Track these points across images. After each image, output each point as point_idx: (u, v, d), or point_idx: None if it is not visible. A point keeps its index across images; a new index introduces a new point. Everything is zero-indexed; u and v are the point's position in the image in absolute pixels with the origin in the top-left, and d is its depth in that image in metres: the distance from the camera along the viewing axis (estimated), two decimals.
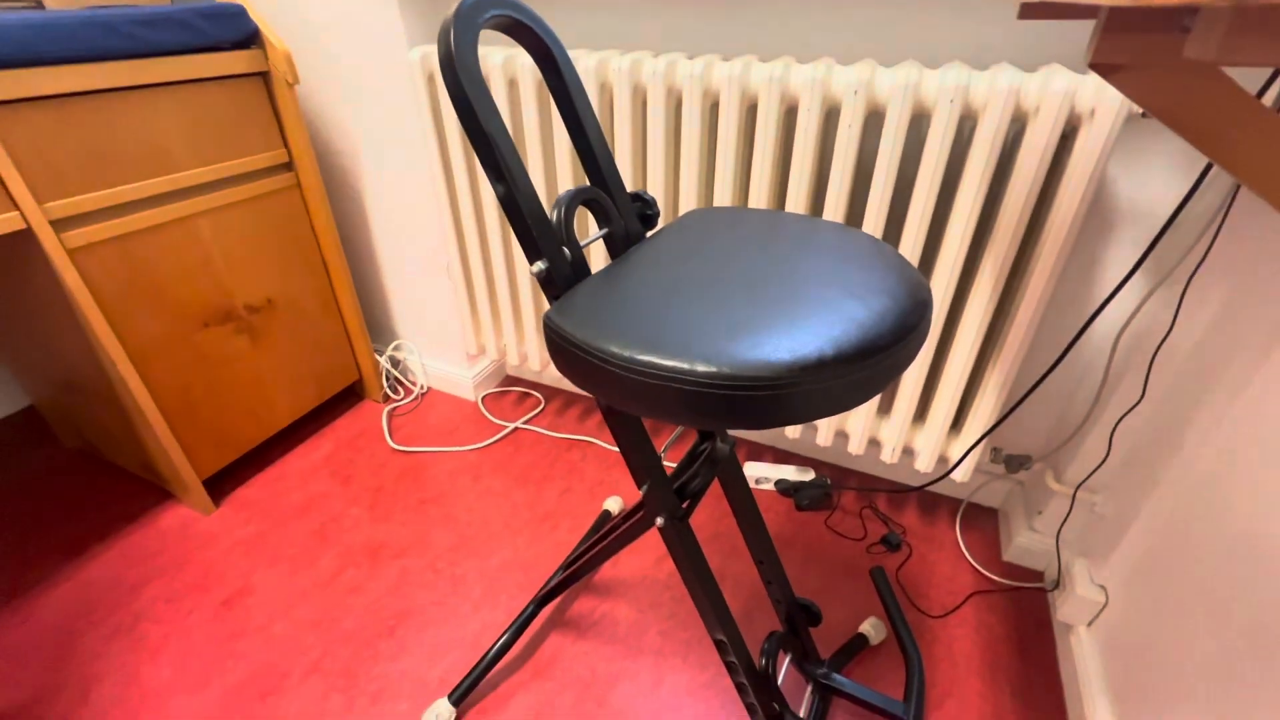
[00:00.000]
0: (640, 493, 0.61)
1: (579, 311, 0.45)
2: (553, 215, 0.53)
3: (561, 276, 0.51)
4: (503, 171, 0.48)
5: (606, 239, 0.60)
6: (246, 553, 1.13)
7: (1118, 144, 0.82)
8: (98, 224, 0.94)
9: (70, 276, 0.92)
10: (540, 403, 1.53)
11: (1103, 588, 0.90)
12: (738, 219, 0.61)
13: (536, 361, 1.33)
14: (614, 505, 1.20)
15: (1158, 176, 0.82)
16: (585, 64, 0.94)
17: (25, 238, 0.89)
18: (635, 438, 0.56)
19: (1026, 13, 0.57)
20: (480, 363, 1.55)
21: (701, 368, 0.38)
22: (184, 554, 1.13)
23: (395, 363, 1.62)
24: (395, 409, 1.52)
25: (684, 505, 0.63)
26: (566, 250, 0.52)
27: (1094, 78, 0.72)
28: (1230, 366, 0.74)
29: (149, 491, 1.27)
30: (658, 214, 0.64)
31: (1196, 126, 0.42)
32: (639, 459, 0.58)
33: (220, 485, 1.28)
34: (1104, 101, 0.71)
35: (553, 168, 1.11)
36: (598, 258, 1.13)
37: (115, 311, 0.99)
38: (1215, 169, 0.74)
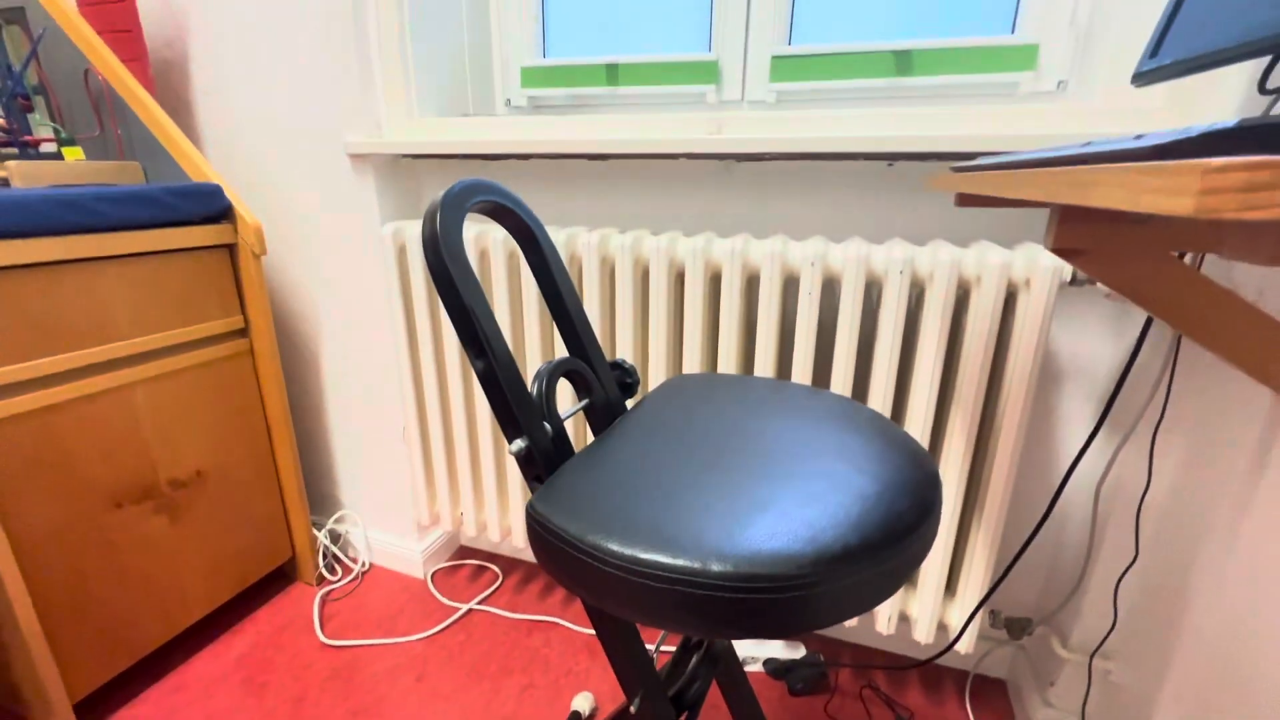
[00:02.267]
0: (631, 709, 0.51)
1: (567, 499, 0.40)
2: (533, 389, 0.50)
3: (543, 453, 0.47)
4: (484, 347, 0.45)
5: (587, 410, 0.57)
6: None
7: (1056, 307, 0.89)
8: (15, 398, 0.86)
9: None
10: (498, 577, 1.39)
11: None
12: (713, 386, 0.60)
13: (496, 531, 1.23)
14: (584, 705, 1.03)
15: (1096, 335, 0.88)
16: (556, 238, 0.99)
17: None
18: (628, 646, 0.48)
19: (963, 201, 0.63)
20: (432, 534, 1.42)
21: (715, 566, 0.33)
22: None
23: (335, 537, 1.46)
24: (330, 592, 1.34)
25: (683, 718, 0.53)
26: (547, 425, 0.49)
27: (1022, 251, 0.80)
28: (1215, 518, 0.73)
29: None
30: (638, 382, 0.62)
31: (1145, 292, 0.45)
32: (630, 669, 0.49)
33: (101, 704, 1.05)
34: (1037, 273, 0.78)
35: (521, 340, 1.11)
36: (576, 431, 1.10)
37: (8, 494, 0.87)
38: (1152, 327, 0.80)
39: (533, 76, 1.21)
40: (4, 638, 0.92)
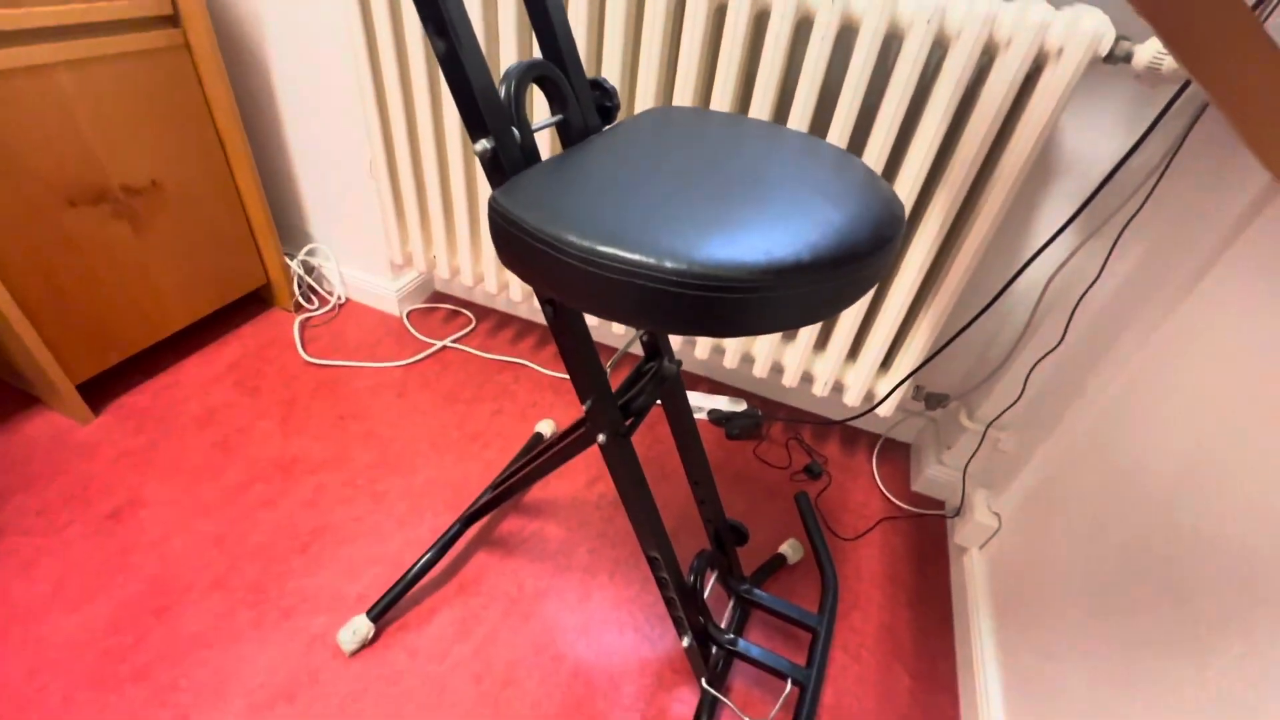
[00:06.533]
0: (582, 409, 0.58)
1: (530, 195, 0.39)
2: (501, 90, 0.46)
3: (510, 159, 0.45)
4: (445, 25, 0.40)
5: (560, 126, 0.54)
6: (135, 464, 1.02)
7: (1079, 89, 0.82)
8: None
9: None
10: (471, 322, 1.45)
11: (997, 515, 0.98)
12: (701, 119, 0.57)
13: (469, 276, 1.25)
14: (547, 428, 1.17)
15: (1104, 129, 0.83)
16: None
17: None
18: (582, 347, 0.53)
19: None
20: (406, 274, 1.44)
21: (670, 264, 0.34)
22: (57, 464, 1.01)
23: (309, 269, 1.47)
24: (308, 319, 1.39)
25: (627, 423, 0.61)
26: (516, 132, 0.46)
27: (1066, 14, 0.71)
28: (1141, 316, 0.79)
29: (14, 396, 1.11)
30: (618, 106, 0.58)
31: (1192, 42, 0.41)
32: (584, 371, 0.54)
33: (101, 391, 1.14)
34: (1073, 40, 0.70)
35: (495, 40, 0.98)
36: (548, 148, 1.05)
37: None
38: (1159, 125, 0.76)
39: None
40: None
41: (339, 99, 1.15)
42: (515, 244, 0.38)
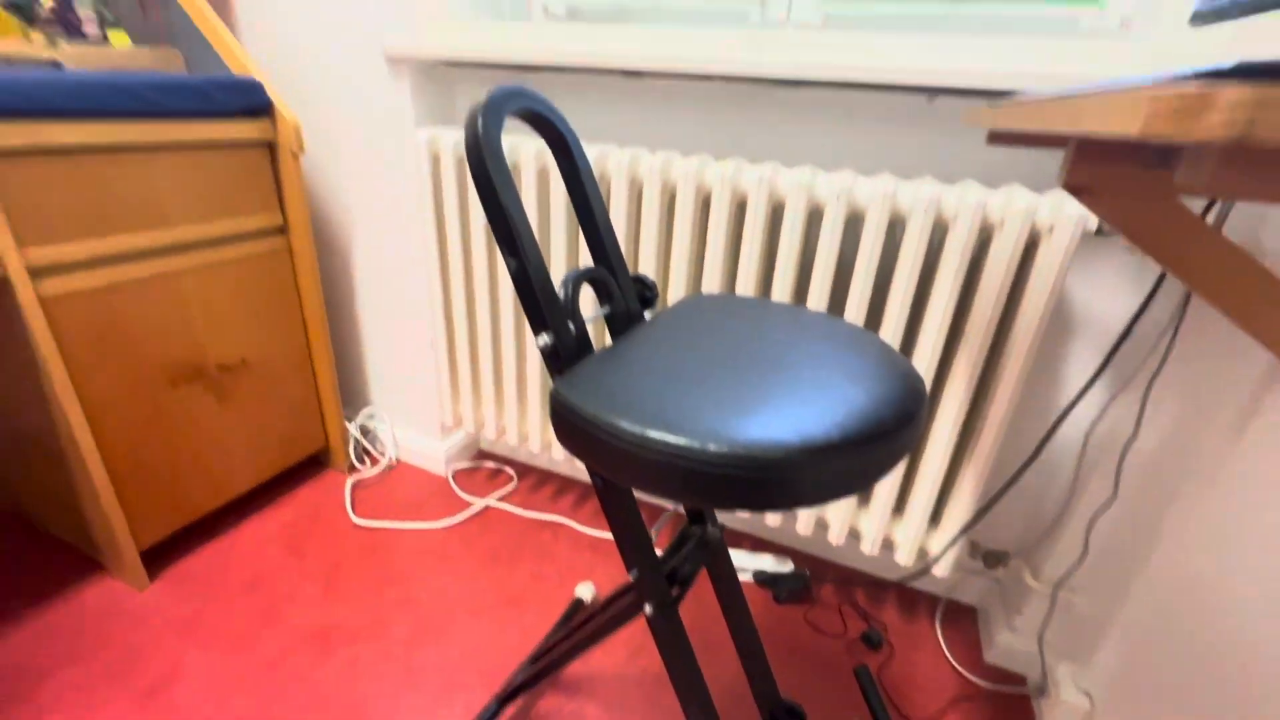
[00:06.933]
0: (623, 575, 0.59)
1: (586, 385, 0.45)
2: (561, 292, 0.54)
3: (566, 350, 0.52)
4: (518, 247, 0.49)
5: (608, 317, 0.61)
6: (179, 633, 1.02)
7: (1075, 258, 0.89)
8: (79, 274, 0.92)
9: (38, 324, 0.88)
10: (513, 479, 1.49)
11: (1087, 695, 0.88)
12: (730, 305, 0.64)
13: (515, 435, 1.31)
14: (586, 592, 1.14)
15: (1111, 288, 0.89)
16: (586, 153, 1.00)
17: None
18: (630, 519, 0.55)
19: (994, 139, 0.63)
20: (454, 435, 1.52)
21: (713, 447, 0.38)
22: (106, 635, 1.02)
23: (365, 431, 1.57)
24: (360, 481, 1.45)
25: (674, 592, 0.61)
26: (571, 325, 0.53)
27: (1050, 197, 0.80)
28: (1193, 468, 0.77)
29: (79, 563, 1.16)
30: (657, 296, 0.66)
31: (1156, 243, 0.46)
32: (631, 541, 0.56)
33: (161, 557, 1.18)
34: (1061, 220, 0.78)
35: (547, 248, 1.14)
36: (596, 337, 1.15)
37: (79, 364, 0.95)
38: (1165, 283, 0.81)
39: None
40: (79, 487, 1.04)
41: (409, 287, 1.32)
42: (574, 430, 0.43)
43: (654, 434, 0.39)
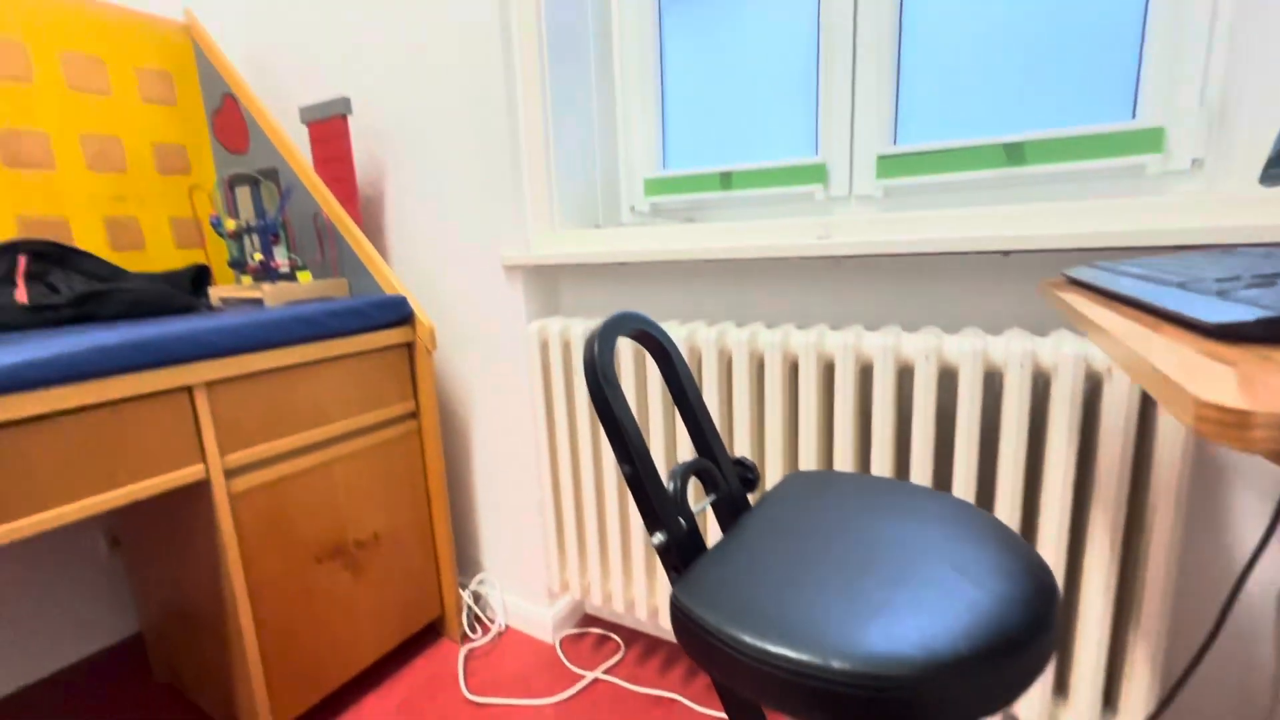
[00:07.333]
0: None
1: (704, 592, 0.48)
2: (669, 485, 0.59)
3: (679, 546, 0.55)
4: (630, 455, 0.55)
5: (714, 504, 0.65)
6: None
7: None
8: (258, 471, 1.10)
9: (225, 518, 1.04)
10: (619, 648, 1.45)
11: None
12: (832, 484, 0.65)
13: (620, 602, 1.30)
14: None
15: None
16: (677, 334, 1.10)
17: (200, 485, 1.04)
18: (753, 715, 0.53)
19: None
20: (560, 600, 1.52)
21: (836, 664, 0.38)
22: None
23: (477, 598, 1.61)
24: (472, 650, 1.47)
25: None
26: (681, 520, 0.57)
27: None
28: None
29: None
30: (758, 478, 0.69)
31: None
32: None
33: None
34: None
35: (645, 435, 1.22)
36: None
37: (249, 548, 1.09)
38: None
39: (655, 186, 1.37)
40: (233, 662, 1.14)
41: (518, 454, 1.43)
42: (696, 640, 0.45)
43: (775, 649, 0.40)
